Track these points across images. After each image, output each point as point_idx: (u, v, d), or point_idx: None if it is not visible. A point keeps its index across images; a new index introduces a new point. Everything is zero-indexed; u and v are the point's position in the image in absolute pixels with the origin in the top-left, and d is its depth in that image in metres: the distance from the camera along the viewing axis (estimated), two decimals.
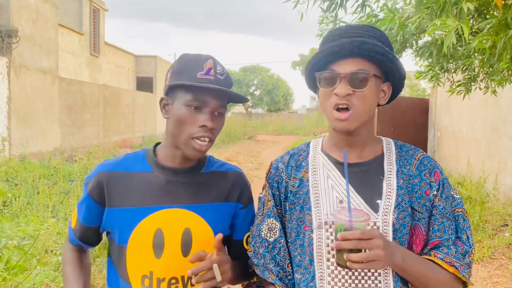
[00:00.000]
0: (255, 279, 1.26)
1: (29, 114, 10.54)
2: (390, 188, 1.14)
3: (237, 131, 22.26)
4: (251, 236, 1.27)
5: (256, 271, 1.22)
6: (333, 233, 1.10)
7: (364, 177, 1.15)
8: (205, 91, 1.16)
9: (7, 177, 7.08)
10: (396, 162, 1.18)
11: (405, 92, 28.93)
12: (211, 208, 1.24)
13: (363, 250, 0.99)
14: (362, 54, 1.08)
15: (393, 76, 1.14)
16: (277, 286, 1.18)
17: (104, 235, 1.32)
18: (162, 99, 1.23)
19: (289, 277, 1.20)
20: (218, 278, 1.10)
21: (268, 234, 1.21)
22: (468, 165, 7.72)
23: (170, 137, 1.21)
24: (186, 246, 1.20)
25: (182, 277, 1.20)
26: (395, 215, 1.12)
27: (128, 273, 1.20)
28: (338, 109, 1.10)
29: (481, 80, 4.39)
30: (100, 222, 1.24)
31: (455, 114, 9.45)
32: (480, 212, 5.88)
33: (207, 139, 1.17)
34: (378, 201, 1.13)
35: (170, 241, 1.19)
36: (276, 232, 1.21)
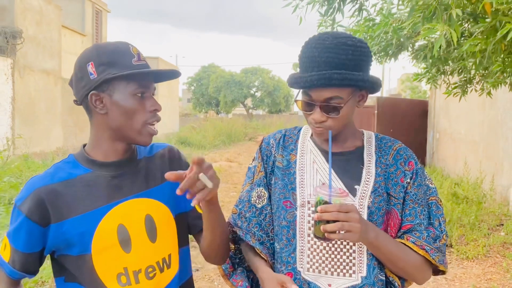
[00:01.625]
0: (232, 247, 1.37)
1: (33, 115, 10.67)
2: (369, 175, 1.26)
3: (238, 132, 22.39)
4: (239, 200, 1.38)
5: (238, 232, 1.33)
6: (314, 208, 1.20)
7: (345, 165, 1.28)
8: (145, 77, 1.16)
9: (12, 175, 7.21)
10: (375, 153, 1.30)
11: (406, 94, 29.04)
12: (162, 189, 1.24)
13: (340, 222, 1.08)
14: (340, 85, 1.17)
15: (368, 85, 1.22)
16: (256, 249, 1.31)
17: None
18: (92, 95, 1.13)
19: (271, 241, 1.33)
20: (209, 184, 1.04)
21: (257, 201, 1.35)
22: (466, 166, 7.82)
23: (114, 131, 1.16)
24: (151, 232, 1.19)
25: (158, 263, 1.20)
26: (371, 199, 1.23)
27: (100, 277, 1.15)
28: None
29: (477, 82, 4.50)
30: (43, 245, 1.15)
31: (453, 116, 9.55)
32: (477, 212, 5.98)
33: (156, 122, 1.19)
34: (356, 186, 1.24)
35: (135, 233, 1.17)
36: (264, 200, 1.34)
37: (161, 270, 1.21)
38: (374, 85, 1.23)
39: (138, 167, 1.23)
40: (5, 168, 6.55)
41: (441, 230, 1.26)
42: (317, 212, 1.10)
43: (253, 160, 1.43)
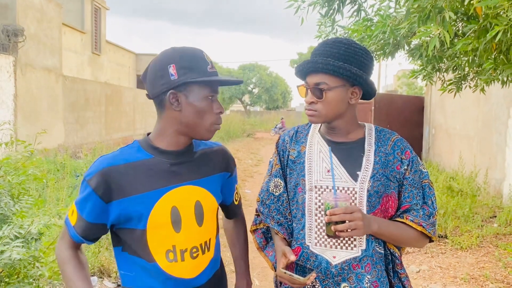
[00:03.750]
0: (261, 225, 1.62)
1: (35, 112, 10.79)
2: (368, 163, 1.45)
3: (236, 129, 22.54)
4: (261, 190, 1.63)
5: (260, 216, 1.60)
6: (322, 205, 1.43)
7: (348, 154, 1.48)
8: (218, 83, 1.34)
9: (28, 168, 7.31)
10: (375, 143, 1.49)
11: (402, 90, 29.17)
12: (211, 180, 1.43)
13: (347, 222, 1.29)
14: (323, 70, 1.38)
15: (359, 81, 1.40)
16: (274, 230, 1.54)
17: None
18: (171, 94, 1.28)
19: (289, 223, 1.55)
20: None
21: (275, 190, 1.57)
22: (461, 161, 8.02)
23: (184, 126, 1.32)
24: (199, 217, 1.37)
25: (201, 245, 1.37)
26: (370, 184, 1.42)
27: (152, 252, 1.29)
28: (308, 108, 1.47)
29: (471, 79, 4.66)
30: (105, 219, 1.29)
31: (449, 112, 9.74)
32: (471, 204, 6.17)
33: (221, 123, 1.39)
34: (358, 172, 1.44)
35: (186, 215, 1.33)
36: (280, 188, 1.56)
37: (203, 252, 1.38)
38: (365, 83, 1.41)
39: (193, 157, 1.41)
40: (28, 161, 6.68)
41: (433, 208, 1.47)
42: (326, 215, 1.30)
43: (273, 154, 1.63)
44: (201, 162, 1.43)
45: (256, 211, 1.65)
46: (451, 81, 4.68)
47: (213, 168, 1.45)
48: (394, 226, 1.43)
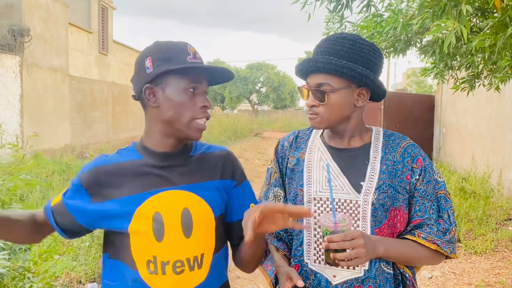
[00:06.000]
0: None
1: (41, 112, 10.76)
2: (373, 172, 1.28)
3: (244, 128, 22.42)
4: (258, 200, 1.43)
5: None
6: (322, 237, 1.24)
7: (351, 161, 1.31)
8: (199, 73, 1.19)
9: (20, 172, 7.28)
10: (382, 150, 1.32)
11: (411, 89, 28.88)
12: (208, 187, 1.25)
13: (347, 251, 1.12)
14: (324, 69, 1.22)
15: (366, 81, 1.24)
16: (273, 246, 1.38)
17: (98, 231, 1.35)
18: (146, 88, 1.17)
19: (289, 237, 1.39)
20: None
21: (274, 200, 1.40)
22: (473, 161, 7.81)
23: (165, 124, 1.20)
24: (187, 227, 1.19)
25: (188, 260, 1.19)
26: (375, 196, 1.25)
27: (134, 259, 1.19)
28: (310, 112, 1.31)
29: (485, 77, 4.49)
30: (83, 216, 1.22)
31: (460, 111, 9.52)
32: (484, 207, 5.98)
33: (205, 119, 1.22)
34: (362, 183, 1.27)
35: (170, 223, 1.18)
36: (280, 199, 1.40)
37: (191, 268, 1.20)
38: (372, 84, 1.25)
39: (187, 161, 1.26)
40: (21, 166, 6.63)
41: (450, 223, 1.29)
42: (324, 242, 1.14)
43: (271, 161, 1.47)
44: (197, 166, 1.27)
45: None
46: (464, 79, 4.52)
47: (212, 174, 1.27)
48: (404, 246, 1.27)
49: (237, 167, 1.34)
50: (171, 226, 1.19)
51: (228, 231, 1.33)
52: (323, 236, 1.16)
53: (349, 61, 1.23)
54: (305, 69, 1.28)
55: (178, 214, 1.20)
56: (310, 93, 1.28)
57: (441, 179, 1.33)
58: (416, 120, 10.97)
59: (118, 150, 1.29)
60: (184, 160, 1.25)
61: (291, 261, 1.35)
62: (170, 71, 1.15)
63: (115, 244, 1.23)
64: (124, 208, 1.18)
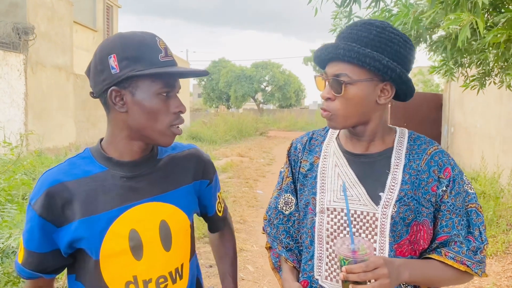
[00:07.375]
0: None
1: (45, 110, 10.73)
2: (394, 182, 1.14)
3: (249, 127, 22.33)
4: (268, 206, 1.35)
5: (267, 239, 1.34)
6: (335, 231, 1.16)
7: (370, 169, 1.17)
8: (172, 75, 1.07)
9: (25, 171, 7.24)
10: (405, 156, 1.17)
11: (418, 87, 28.65)
12: (181, 193, 1.17)
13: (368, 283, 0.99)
14: (344, 57, 1.07)
15: (392, 75, 1.09)
16: (282, 257, 1.28)
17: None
18: (112, 91, 1.04)
19: (300, 248, 1.28)
20: None
21: (284, 207, 1.30)
22: (482, 161, 7.67)
23: (133, 130, 1.08)
24: (166, 240, 1.12)
25: (170, 273, 1.13)
26: (396, 209, 1.12)
27: (108, 284, 1.08)
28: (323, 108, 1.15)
29: (496, 75, 4.37)
30: (57, 244, 1.08)
31: (468, 109, 9.38)
32: (494, 208, 5.85)
33: (180, 124, 1.12)
34: (381, 194, 1.14)
35: (148, 240, 1.09)
36: (291, 206, 1.29)
37: (174, 281, 1.14)
38: (399, 79, 1.09)
39: (156, 167, 1.15)
40: (18, 165, 6.59)
41: (482, 240, 1.15)
42: (342, 272, 1.01)
43: (284, 164, 1.36)
44: (167, 171, 1.16)
45: (263, 229, 1.38)
46: (474, 77, 4.40)
47: (184, 178, 1.18)
48: (430, 268, 1.13)
49: (207, 165, 1.27)
50: (149, 242, 1.09)
51: (208, 223, 1.39)
52: (340, 266, 1.02)
53: (374, 50, 1.07)
54: (324, 55, 1.11)
55: (155, 228, 1.11)
56: (326, 83, 1.12)
57: (472, 191, 1.18)
58: (424, 119, 10.84)
59: (68, 160, 1.13)
60: (152, 166, 1.15)
61: (300, 275, 1.23)
62: (141, 75, 1.03)
63: (80, 269, 1.11)
64: (94, 229, 1.05)
